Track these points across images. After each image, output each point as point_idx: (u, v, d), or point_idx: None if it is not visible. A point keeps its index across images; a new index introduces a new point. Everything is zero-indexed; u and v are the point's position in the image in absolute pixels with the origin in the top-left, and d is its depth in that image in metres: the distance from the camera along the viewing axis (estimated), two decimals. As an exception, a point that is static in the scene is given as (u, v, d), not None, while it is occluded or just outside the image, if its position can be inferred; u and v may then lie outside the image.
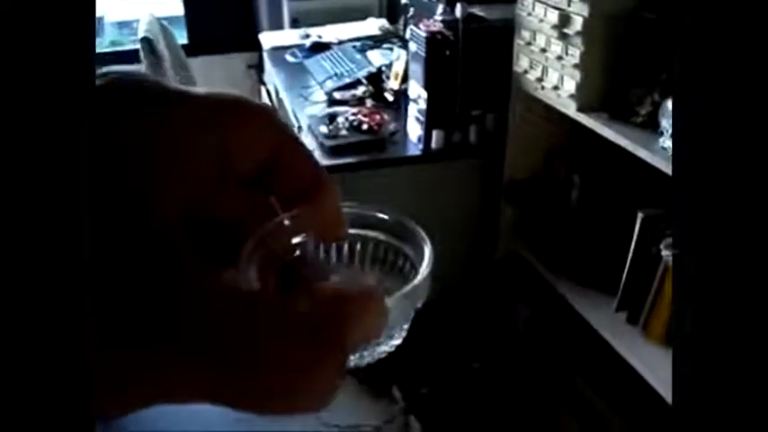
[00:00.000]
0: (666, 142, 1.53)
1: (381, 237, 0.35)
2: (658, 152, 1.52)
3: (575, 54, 1.72)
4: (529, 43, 1.90)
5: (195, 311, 0.24)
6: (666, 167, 1.48)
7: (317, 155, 2.12)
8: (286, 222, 0.31)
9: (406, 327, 0.32)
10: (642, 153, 1.56)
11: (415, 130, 2.22)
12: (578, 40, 1.69)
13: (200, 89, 0.29)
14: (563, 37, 1.75)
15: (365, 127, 2.16)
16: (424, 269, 0.32)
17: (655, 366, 1.64)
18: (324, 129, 2.16)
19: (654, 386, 1.61)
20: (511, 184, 2.17)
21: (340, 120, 2.20)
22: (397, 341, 0.32)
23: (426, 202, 2.24)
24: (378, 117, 2.21)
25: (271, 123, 0.30)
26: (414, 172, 2.18)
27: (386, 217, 0.35)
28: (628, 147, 1.60)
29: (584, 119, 1.73)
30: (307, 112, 2.40)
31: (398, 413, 2.16)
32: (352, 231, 0.34)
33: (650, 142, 1.56)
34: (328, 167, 2.06)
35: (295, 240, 0.32)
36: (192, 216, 0.28)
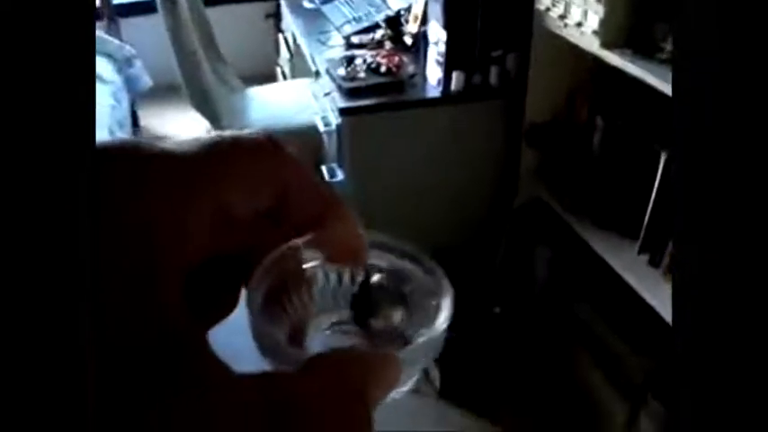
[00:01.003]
0: (692, 78, 1.48)
1: (403, 267, 0.33)
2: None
3: (598, -12, 1.66)
4: (551, -22, 1.85)
5: (202, 418, 0.22)
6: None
7: (336, 97, 2.10)
8: (298, 247, 0.30)
9: (418, 374, 0.30)
10: (667, 89, 1.51)
11: (434, 72, 2.18)
12: (602, -27, 1.64)
13: (188, 140, 0.27)
14: (586, -30, 1.69)
15: (383, 69, 2.13)
16: (442, 321, 0.30)
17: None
18: (342, 71, 2.13)
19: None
20: (532, 127, 2.13)
21: (358, 62, 2.17)
22: (408, 386, 0.30)
23: (446, 146, 2.21)
24: (396, 59, 2.17)
25: (270, 159, 0.28)
26: (433, 114, 2.14)
27: (408, 250, 0.33)
28: (652, 83, 1.55)
29: (607, 55, 1.68)
30: (324, 56, 2.37)
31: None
32: (376, 262, 0.33)
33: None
34: (346, 109, 2.05)
35: (308, 265, 0.31)
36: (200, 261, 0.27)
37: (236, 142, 0.28)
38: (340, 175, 2.26)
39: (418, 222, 2.31)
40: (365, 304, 0.32)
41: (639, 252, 1.79)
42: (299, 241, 0.30)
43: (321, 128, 2.34)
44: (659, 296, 1.67)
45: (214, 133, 0.28)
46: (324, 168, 2.38)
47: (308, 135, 2.62)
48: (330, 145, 2.35)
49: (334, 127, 2.19)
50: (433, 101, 2.13)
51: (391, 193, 2.24)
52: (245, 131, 0.29)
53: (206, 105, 2.63)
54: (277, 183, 0.28)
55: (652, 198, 1.71)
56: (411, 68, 2.18)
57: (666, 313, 1.62)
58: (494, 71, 2.12)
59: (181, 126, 3.96)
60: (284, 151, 0.29)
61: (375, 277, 0.32)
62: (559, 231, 2.10)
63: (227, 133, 0.28)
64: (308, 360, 0.25)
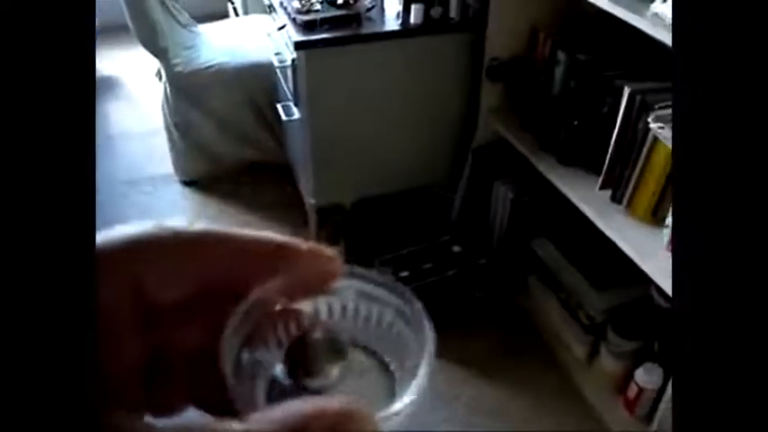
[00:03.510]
0: (658, 8, 1.44)
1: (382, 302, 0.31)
2: (650, 19, 1.44)
3: None
4: None
5: None
6: (658, 35, 1.40)
7: (290, 30, 2.01)
8: (263, 302, 0.28)
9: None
10: (633, 21, 1.47)
11: (393, 5, 2.11)
12: None
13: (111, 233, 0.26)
14: None
15: (340, 1, 2.04)
16: (421, 378, 0.27)
17: (638, 243, 1.61)
18: (296, 3, 2.04)
19: (637, 262, 1.59)
20: (493, 63, 2.07)
21: (313, -6, 2.07)
22: None
23: (405, 82, 2.15)
24: (353, -9, 2.08)
25: (191, 254, 0.27)
26: (392, 49, 2.07)
27: (388, 283, 0.31)
28: (616, 13, 1.51)
29: (571, -16, 1.63)
30: (278, -12, 2.27)
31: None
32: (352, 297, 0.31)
33: (640, 8, 1.47)
34: (301, 43, 1.97)
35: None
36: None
37: (151, 238, 0.27)
38: (296, 114, 2.19)
39: (377, 162, 2.26)
40: (299, 359, 0.29)
41: (601, 188, 1.77)
42: (263, 293, 0.28)
43: (276, 64, 2.25)
44: (620, 232, 1.66)
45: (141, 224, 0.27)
46: (279, 107, 2.31)
47: (263, 73, 2.53)
48: (286, 82, 2.27)
49: (289, 63, 2.11)
50: (392, 34, 2.06)
51: (349, 132, 2.18)
52: (174, 223, 0.27)
53: (154, 41, 2.51)
54: (201, 274, 0.27)
55: (615, 133, 1.68)
56: (368, 1, 2.10)
57: (627, 248, 1.62)
58: (454, 4, 2.05)
59: (130, 67, 3.81)
60: (203, 232, 0.28)
61: (316, 334, 0.30)
62: (521, 170, 2.07)
63: (150, 224, 0.27)
64: (252, 416, 0.23)
